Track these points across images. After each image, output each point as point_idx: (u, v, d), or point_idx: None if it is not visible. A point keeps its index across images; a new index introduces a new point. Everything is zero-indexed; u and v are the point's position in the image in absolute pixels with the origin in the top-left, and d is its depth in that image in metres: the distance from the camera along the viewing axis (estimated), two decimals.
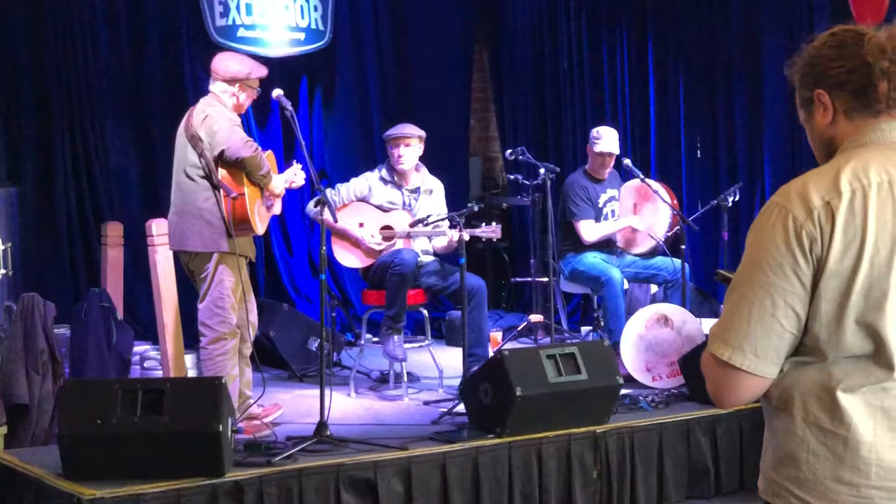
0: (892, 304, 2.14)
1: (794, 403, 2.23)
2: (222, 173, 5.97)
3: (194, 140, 5.99)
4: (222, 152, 5.93)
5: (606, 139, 7.82)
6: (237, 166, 5.98)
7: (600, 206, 7.93)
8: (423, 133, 7.33)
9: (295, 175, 6.39)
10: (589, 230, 7.82)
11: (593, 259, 7.82)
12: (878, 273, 2.14)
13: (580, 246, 7.87)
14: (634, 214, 7.97)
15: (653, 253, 7.89)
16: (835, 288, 2.14)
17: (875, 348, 2.16)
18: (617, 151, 7.85)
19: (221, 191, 5.96)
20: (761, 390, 2.25)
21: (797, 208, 2.16)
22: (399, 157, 7.29)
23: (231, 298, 6.06)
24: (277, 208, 6.45)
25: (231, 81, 6.15)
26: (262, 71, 6.29)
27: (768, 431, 2.33)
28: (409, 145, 7.29)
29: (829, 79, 2.27)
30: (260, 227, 6.17)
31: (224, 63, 6.23)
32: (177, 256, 6.38)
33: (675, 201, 7.94)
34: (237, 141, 5.95)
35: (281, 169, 6.37)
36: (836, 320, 2.16)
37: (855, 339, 2.16)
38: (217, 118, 6.00)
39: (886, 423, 2.18)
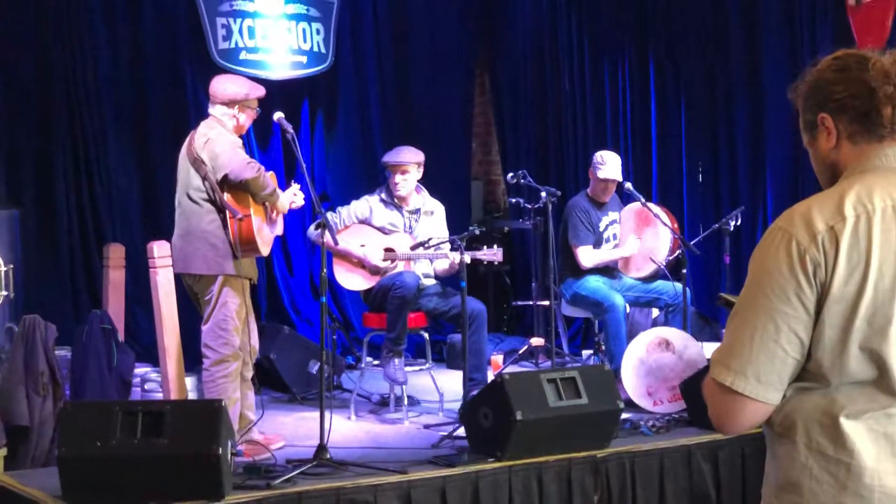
0: (895, 330, 2.13)
1: (796, 429, 2.22)
2: (227, 195, 5.98)
3: (197, 163, 6.00)
4: (226, 176, 5.94)
5: (610, 166, 7.80)
6: (241, 188, 5.99)
7: (601, 229, 7.92)
8: (420, 159, 7.34)
9: (294, 195, 6.41)
10: (587, 256, 7.81)
11: (595, 283, 7.81)
12: (882, 299, 2.13)
13: (581, 270, 7.86)
14: (636, 238, 7.96)
15: (654, 277, 7.89)
16: (838, 313, 2.14)
17: (879, 374, 2.15)
18: (619, 178, 7.83)
19: (227, 212, 5.97)
20: (764, 416, 2.23)
21: (801, 233, 2.15)
22: (396, 184, 7.32)
23: (235, 321, 6.06)
24: (280, 229, 6.46)
25: (230, 104, 6.16)
26: (260, 91, 6.31)
27: (770, 457, 2.31)
28: (407, 172, 7.31)
29: (833, 103, 2.26)
30: (264, 249, 6.18)
31: (222, 86, 6.24)
32: (179, 278, 6.38)
33: (676, 225, 7.94)
34: (239, 163, 5.96)
35: (282, 190, 6.38)
36: (840, 346, 2.15)
37: (858, 364, 2.15)
38: (218, 141, 6.01)
39: (890, 449, 2.17)
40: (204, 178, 5.98)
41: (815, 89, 2.30)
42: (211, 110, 6.21)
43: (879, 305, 2.13)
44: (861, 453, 2.16)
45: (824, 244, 2.13)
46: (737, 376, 2.18)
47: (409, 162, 7.30)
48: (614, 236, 8.01)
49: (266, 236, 6.19)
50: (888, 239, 2.14)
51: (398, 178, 7.31)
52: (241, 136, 6.28)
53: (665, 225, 7.70)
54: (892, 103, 2.22)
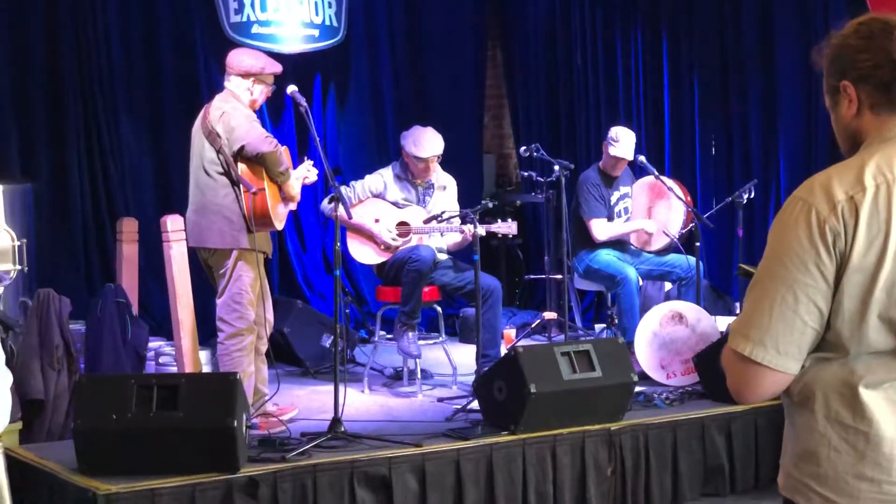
0: None
1: (815, 399, 2.22)
2: (242, 169, 5.98)
3: (212, 136, 5.99)
4: (242, 148, 5.94)
5: (623, 144, 7.76)
6: (256, 162, 5.99)
7: (612, 203, 7.91)
8: (442, 143, 7.29)
9: (308, 171, 6.39)
10: (601, 229, 7.80)
11: (608, 257, 7.80)
12: None
13: (594, 244, 7.85)
14: (648, 212, 7.95)
15: (667, 250, 7.88)
16: (858, 284, 2.12)
17: None
18: (630, 158, 7.80)
19: (241, 186, 5.96)
20: (783, 386, 2.23)
21: (821, 203, 2.13)
22: (423, 171, 7.25)
23: (249, 294, 6.07)
24: (294, 204, 6.45)
25: (245, 76, 6.15)
26: (277, 67, 6.30)
27: (789, 427, 2.31)
28: (434, 161, 7.29)
29: (855, 71, 2.23)
30: (278, 224, 6.18)
31: (238, 58, 6.24)
32: (192, 252, 6.39)
33: (689, 198, 7.93)
34: (257, 136, 5.96)
35: (295, 165, 6.37)
36: (859, 316, 2.13)
37: (878, 334, 2.14)
38: (234, 114, 6.00)
39: None
40: (218, 152, 5.98)
41: (838, 56, 2.27)
42: (226, 83, 6.20)
43: None
44: (880, 423, 2.16)
45: (844, 214, 2.11)
46: (756, 346, 2.17)
47: (439, 153, 7.26)
48: (626, 210, 7.99)
49: (280, 211, 6.19)
50: None
51: (429, 166, 7.26)
52: (254, 112, 6.26)
53: (678, 198, 7.68)
54: None
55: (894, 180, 2.14)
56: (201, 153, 6.06)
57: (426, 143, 7.22)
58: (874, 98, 2.23)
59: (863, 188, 2.13)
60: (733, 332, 2.23)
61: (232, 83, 6.17)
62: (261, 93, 6.22)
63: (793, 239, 2.15)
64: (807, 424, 2.23)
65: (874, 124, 2.24)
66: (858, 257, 2.11)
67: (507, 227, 7.11)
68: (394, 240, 7.22)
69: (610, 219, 7.88)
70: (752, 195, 7.81)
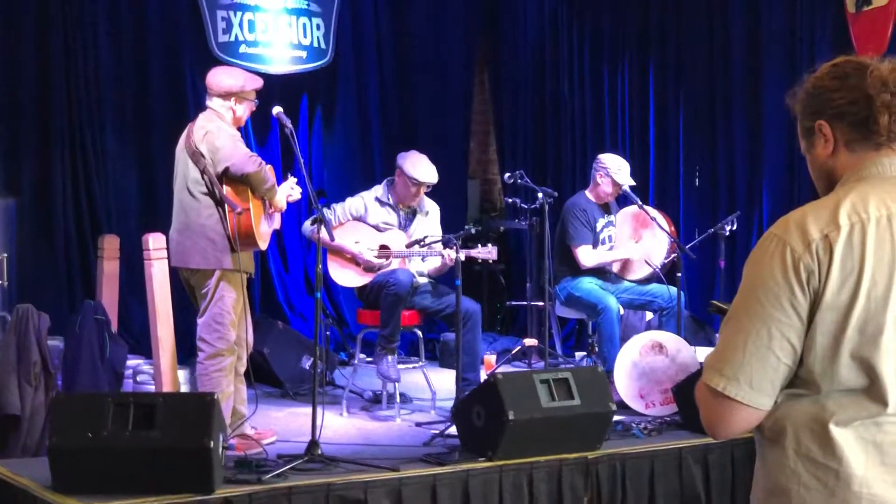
0: (888, 338, 2.14)
1: (786, 435, 2.22)
2: (226, 189, 5.97)
3: (195, 156, 5.98)
4: (226, 168, 5.93)
5: (625, 172, 7.81)
6: (241, 182, 5.98)
7: (598, 230, 7.93)
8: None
9: (291, 189, 6.39)
10: (586, 256, 7.81)
11: (590, 285, 7.81)
12: (875, 308, 2.14)
13: (577, 271, 7.86)
14: (633, 241, 7.97)
15: (649, 280, 7.89)
16: (831, 321, 2.14)
17: (869, 382, 2.16)
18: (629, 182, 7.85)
19: (226, 206, 5.95)
20: (755, 421, 2.24)
21: (795, 240, 2.16)
22: (413, 195, 7.29)
23: (231, 315, 6.05)
24: (277, 223, 6.45)
25: (226, 95, 6.14)
26: (257, 82, 6.29)
27: (759, 463, 2.32)
28: (426, 188, 7.31)
29: (831, 110, 2.27)
30: (262, 244, 6.17)
31: (217, 78, 6.23)
32: (174, 271, 6.38)
33: (673, 228, 7.95)
34: (241, 156, 5.95)
35: (279, 184, 6.37)
36: (832, 353, 2.15)
37: (849, 372, 2.16)
38: (218, 134, 6.00)
39: (878, 457, 2.18)
40: (202, 172, 5.97)
41: (813, 96, 2.30)
42: (208, 102, 6.20)
43: (872, 314, 2.14)
44: (850, 460, 2.17)
45: (818, 252, 2.14)
46: (729, 382, 2.19)
47: (434, 182, 7.29)
48: (609, 238, 8.01)
49: (264, 231, 6.19)
50: (882, 248, 2.15)
51: (420, 191, 7.29)
52: (238, 129, 6.26)
53: (662, 228, 7.70)
54: (889, 111, 2.22)
55: (869, 219, 2.16)
56: (185, 173, 6.05)
57: (425, 168, 7.25)
58: (850, 135, 2.26)
59: (837, 227, 2.15)
60: (707, 368, 2.24)
61: (214, 103, 6.17)
62: (244, 110, 6.21)
63: (767, 275, 2.17)
64: (777, 460, 2.24)
65: (850, 162, 2.27)
66: (832, 295, 2.13)
67: (487, 253, 7.12)
68: (374, 258, 7.22)
69: (594, 246, 7.89)
70: (735, 227, 7.84)
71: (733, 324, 2.21)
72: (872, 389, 2.16)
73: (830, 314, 2.14)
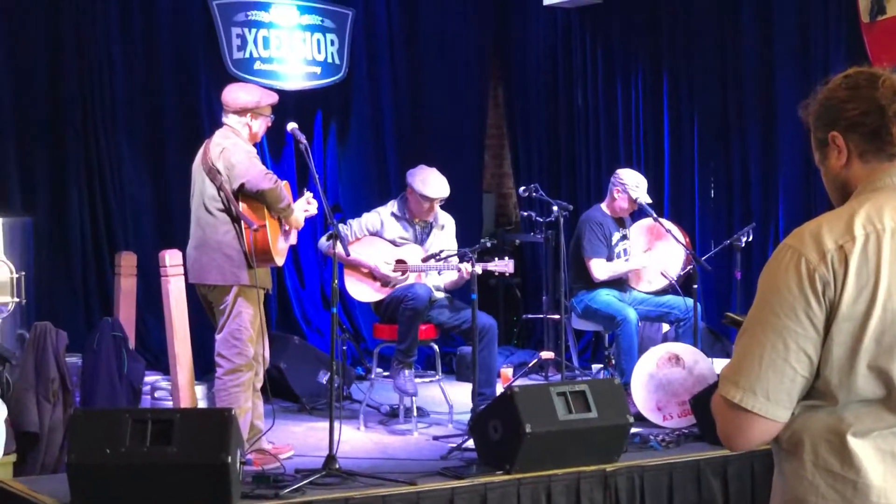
0: None
1: (803, 447, 2.22)
2: (242, 206, 5.99)
3: (212, 173, 6.01)
4: (242, 185, 5.95)
5: (643, 188, 7.84)
6: (257, 199, 6.00)
7: (613, 244, 7.93)
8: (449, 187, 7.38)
9: (308, 203, 6.40)
10: (600, 269, 7.82)
11: (607, 297, 7.81)
12: (891, 318, 2.13)
13: (593, 283, 7.87)
14: (648, 253, 7.96)
15: (664, 291, 7.88)
16: (847, 332, 2.13)
17: (887, 393, 2.15)
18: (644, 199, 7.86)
19: (242, 223, 5.97)
20: (773, 433, 2.23)
21: (810, 251, 2.16)
22: (427, 211, 7.31)
23: (249, 331, 6.06)
24: (293, 238, 6.47)
25: (242, 112, 6.17)
26: (273, 98, 6.32)
27: (777, 475, 2.31)
28: (439, 202, 7.33)
29: (844, 121, 2.26)
30: (279, 259, 6.19)
31: (233, 95, 6.26)
32: (191, 287, 6.40)
33: (688, 240, 7.94)
34: (257, 173, 5.97)
35: (294, 199, 6.39)
36: (848, 364, 2.15)
37: (866, 383, 2.15)
38: (234, 150, 6.02)
39: None
40: (219, 189, 5.99)
41: (825, 108, 2.30)
42: (224, 119, 6.23)
43: (888, 325, 2.13)
44: (868, 471, 2.16)
45: (833, 263, 2.14)
46: (746, 394, 2.18)
47: (446, 196, 7.31)
48: (625, 251, 8.01)
49: (280, 247, 6.20)
50: None
51: (433, 206, 7.32)
52: (255, 145, 6.29)
53: (677, 240, 7.69)
54: None
55: (884, 230, 2.16)
56: (202, 190, 6.07)
57: (435, 183, 7.26)
58: (863, 147, 2.26)
59: (852, 237, 2.15)
60: (723, 379, 2.24)
61: (230, 119, 6.20)
62: (260, 126, 6.24)
63: (783, 287, 2.17)
64: (795, 472, 2.23)
65: (863, 173, 2.27)
66: (848, 306, 2.13)
67: (504, 266, 7.12)
68: (391, 273, 7.23)
69: (609, 259, 7.89)
70: (751, 238, 7.82)
71: (749, 335, 2.21)
72: (890, 400, 2.16)
73: (847, 325, 2.13)
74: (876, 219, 2.17)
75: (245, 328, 6.06)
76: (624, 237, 8.01)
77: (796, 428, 2.22)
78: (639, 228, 8.11)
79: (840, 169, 2.30)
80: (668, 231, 7.75)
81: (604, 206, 8.01)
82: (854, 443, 2.17)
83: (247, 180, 5.94)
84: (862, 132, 2.25)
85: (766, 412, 2.18)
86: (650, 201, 7.86)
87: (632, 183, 7.83)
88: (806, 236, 2.19)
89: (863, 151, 2.26)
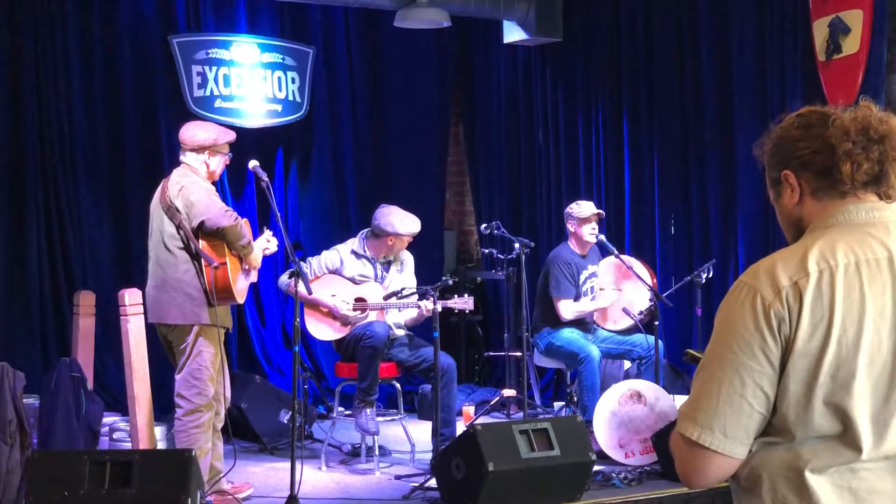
0: (860, 384, 2.15)
1: (762, 484, 2.22)
2: (202, 243, 5.96)
3: (171, 211, 5.98)
4: (202, 223, 5.92)
5: (585, 205, 7.96)
6: (217, 236, 5.97)
7: (581, 282, 7.96)
8: None
9: (268, 242, 6.39)
10: (567, 309, 7.85)
11: (570, 335, 7.82)
12: (846, 354, 2.15)
13: (557, 321, 7.88)
14: (616, 290, 7.99)
15: (630, 329, 7.90)
16: (803, 368, 2.15)
17: (843, 429, 2.16)
18: (599, 211, 7.92)
19: (203, 260, 5.94)
20: (730, 470, 2.24)
21: (765, 288, 2.18)
22: (391, 247, 7.32)
23: (209, 370, 6.02)
24: (254, 276, 6.44)
25: (199, 149, 6.16)
26: (230, 135, 6.30)
27: None
28: (410, 239, 7.35)
29: (796, 160, 2.30)
30: (239, 297, 6.15)
31: (190, 132, 6.25)
32: (150, 327, 6.35)
33: (653, 276, 7.98)
34: (217, 211, 5.95)
35: (255, 237, 6.36)
36: (805, 400, 2.16)
37: (823, 419, 2.16)
38: (193, 188, 6.00)
39: (854, 503, 2.18)
40: (178, 227, 5.96)
41: (779, 146, 2.34)
42: (182, 157, 6.21)
43: (843, 360, 2.15)
44: None
45: (788, 299, 2.16)
46: (703, 430, 2.19)
47: (420, 227, 7.32)
48: (591, 290, 8.03)
49: (241, 286, 6.17)
50: (851, 295, 2.16)
51: (404, 242, 7.32)
52: (214, 183, 6.26)
53: (639, 277, 7.72)
54: (850, 160, 2.24)
55: (837, 266, 2.18)
56: (161, 228, 6.04)
57: (407, 219, 7.29)
58: (815, 184, 2.30)
59: (806, 274, 2.17)
60: (681, 416, 2.25)
61: (188, 157, 6.18)
62: (218, 163, 6.21)
63: (739, 323, 2.18)
64: None
65: (816, 210, 2.30)
66: (803, 342, 2.15)
67: (464, 303, 7.13)
68: (350, 312, 7.21)
69: (576, 298, 7.92)
70: (711, 275, 7.87)
71: (706, 372, 2.22)
72: (846, 436, 2.17)
73: (802, 361, 2.15)
74: (829, 255, 2.19)
75: (205, 367, 6.02)
76: (593, 275, 8.04)
77: (754, 465, 2.23)
78: (606, 265, 8.13)
79: (793, 206, 2.34)
80: (630, 267, 7.78)
81: (569, 243, 8.05)
82: (812, 479, 2.17)
83: (207, 218, 5.91)
84: (814, 170, 2.29)
85: (724, 449, 2.19)
86: (600, 212, 7.99)
87: (575, 208, 7.97)
88: (761, 273, 2.21)
89: (815, 189, 2.30)
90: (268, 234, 6.44)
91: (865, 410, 2.16)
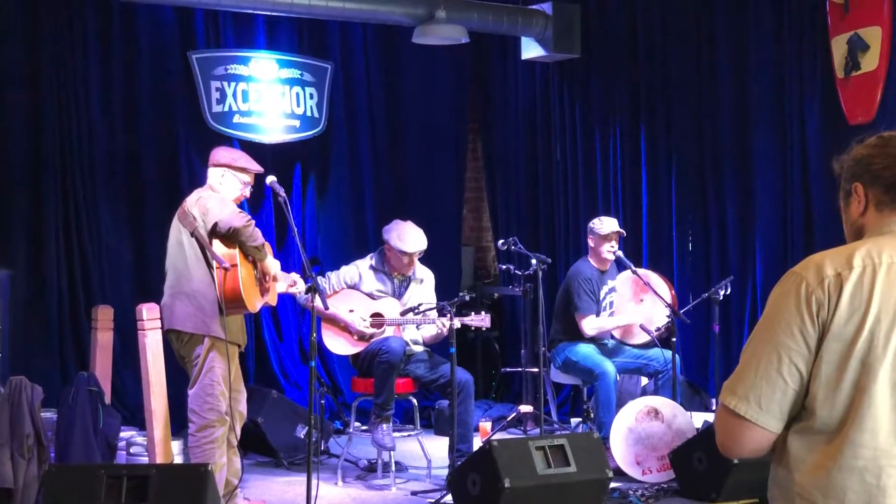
0: (885, 373, 2.33)
1: (793, 482, 2.41)
2: (216, 245, 5.97)
3: (186, 219, 6.01)
4: (216, 224, 5.93)
5: (607, 222, 7.97)
6: (230, 238, 5.97)
7: (601, 297, 7.96)
8: (426, 239, 7.40)
9: (294, 282, 6.43)
10: (590, 325, 7.85)
11: (587, 350, 7.81)
12: (877, 343, 2.34)
13: (574, 336, 7.88)
14: (634, 304, 7.98)
15: (649, 345, 7.88)
16: (835, 351, 2.35)
17: (865, 420, 2.34)
18: (620, 230, 7.93)
19: (215, 263, 5.94)
20: (765, 444, 2.43)
21: (811, 276, 2.40)
22: (406, 265, 7.32)
23: (221, 386, 6.03)
24: (273, 299, 6.43)
25: (217, 166, 6.21)
26: (251, 162, 6.31)
27: (772, 482, 2.50)
28: (417, 256, 7.35)
29: (868, 173, 2.51)
30: (250, 304, 6.10)
31: (219, 153, 6.35)
32: (167, 341, 6.36)
33: (672, 289, 7.97)
34: (230, 212, 5.98)
35: (273, 250, 6.38)
36: (834, 382, 2.36)
37: (847, 400, 2.35)
38: (210, 197, 6.06)
39: (882, 500, 2.32)
40: (192, 234, 5.98)
41: (857, 160, 2.54)
42: (208, 178, 6.28)
43: (873, 348, 2.34)
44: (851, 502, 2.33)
45: (829, 288, 2.37)
46: (740, 401, 2.40)
47: (424, 248, 7.33)
48: (611, 304, 8.02)
49: (254, 299, 6.15)
50: (890, 291, 2.36)
51: (412, 260, 7.33)
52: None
53: (656, 293, 7.70)
54: None
55: (880, 264, 2.39)
56: (178, 238, 6.07)
57: (411, 238, 7.27)
58: (881, 197, 2.50)
59: (850, 267, 2.39)
60: (724, 388, 2.45)
61: (208, 174, 6.26)
62: (231, 186, 6.19)
63: (783, 306, 2.40)
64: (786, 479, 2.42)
65: (875, 220, 2.51)
66: (838, 327, 2.35)
67: (481, 320, 7.13)
68: (366, 328, 7.22)
69: (598, 313, 7.92)
70: (729, 291, 7.83)
71: (751, 348, 2.43)
72: (866, 429, 2.33)
73: (836, 345, 2.35)
74: (875, 254, 2.41)
75: (217, 383, 6.02)
76: (612, 290, 8.04)
77: (784, 457, 2.42)
78: (624, 279, 8.12)
79: (858, 216, 2.55)
80: (647, 283, 7.76)
81: (589, 258, 8.05)
82: (838, 476, 2.35)
83: (220, 219, 5.93)
84: (883, 185, 2.50)
85: (758, 419, 2.39)
86: (620, 230, 7.99)
87: (596, 223, 7.97)
88: (810, 264, 2.43)
89: (879, 202, 2.50)
90: (294, 275, 6.49)
91: (887, 402, 2.34)
